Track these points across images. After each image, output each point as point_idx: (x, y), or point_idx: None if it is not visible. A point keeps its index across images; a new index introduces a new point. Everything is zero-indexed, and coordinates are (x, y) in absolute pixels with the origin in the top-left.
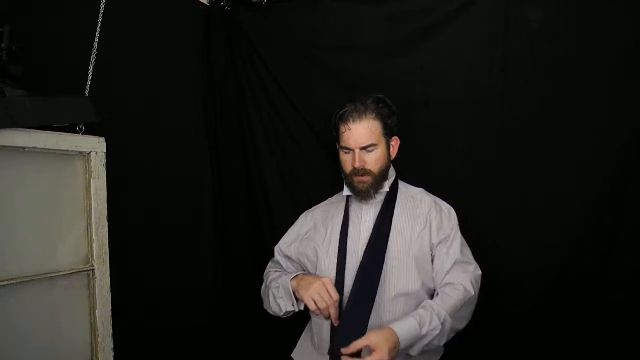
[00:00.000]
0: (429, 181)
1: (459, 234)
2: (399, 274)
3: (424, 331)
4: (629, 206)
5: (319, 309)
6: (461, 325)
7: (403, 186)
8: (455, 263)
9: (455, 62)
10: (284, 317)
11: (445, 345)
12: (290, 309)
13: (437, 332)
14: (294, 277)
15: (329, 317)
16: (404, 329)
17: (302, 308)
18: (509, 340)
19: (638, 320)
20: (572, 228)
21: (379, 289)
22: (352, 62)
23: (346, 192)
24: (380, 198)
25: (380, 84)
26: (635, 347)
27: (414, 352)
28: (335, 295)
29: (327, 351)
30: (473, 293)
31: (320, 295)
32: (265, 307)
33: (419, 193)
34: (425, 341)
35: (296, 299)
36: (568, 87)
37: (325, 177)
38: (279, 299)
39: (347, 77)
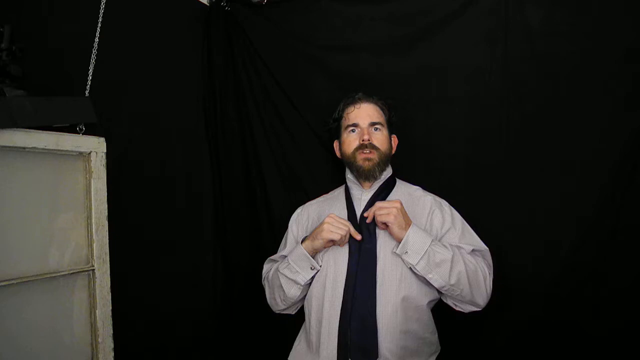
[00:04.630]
0: (429, 180)
1: (465, 224)
2: (391, 267)
3: (434, 244)
4: (629, 206)
5: (342, 235)
6: (461, 287)
7: (400, 183)
8: (473, 250)
9: (455, 61)
10: (298, 302)
11: (442, 344)
12: (308, 276)
13: (447, 254)
14: (301, 242)
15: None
16: (419, 230)
17: (321, 264)
18: (507, 340)
19: (639, 321)
20: (572, 228)
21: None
22: (352, 62)
23: (348, 175)
24: (374, 189)
25: (380, 84)
26: (636, 347)
27: (420, 265)
28: (345, 221)
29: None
30: (488, 272)
31: (334, 225)
32: (276, 308)
33: (416, 190)
34: (432, 255)
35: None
36: (568, 86)
37: (325, 177)
38: (293, 276)
39: (347, 77)
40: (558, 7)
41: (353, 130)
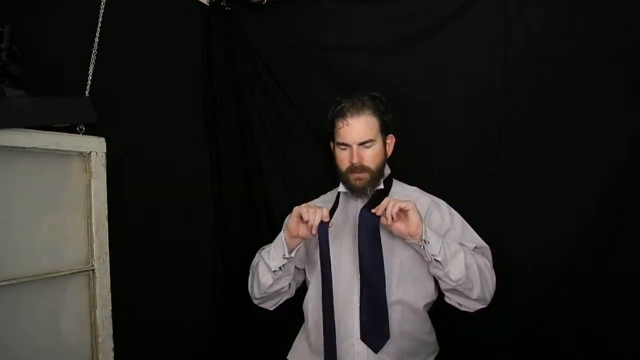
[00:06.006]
0: (428, 180)
1: (465, 222)
2: (388, 270)
3: (446, 241)
4: (630, 206)
5: (307, 208)
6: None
7: (397, 184)
8: (475, 247)
9: (455, 61)
10: (272, 295)
11: (440, 344)
12: (281, 262)
13: (458, 247)
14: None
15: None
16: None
17: (292, 255)
18: (507, 340)
19: (638, 321)
20: (572, 228)
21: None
22: (352, 62)
23: (341, 189)
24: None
25: (380, 84)
26: (637, 347)
27: (440, 255)
28: (311, 208)
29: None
30: (491, 266)
31: (305, 209)
32: (254, 297)
33: (413, 192)
34: (447, 247)
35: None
36: (568, 86)
37: (325, 177)
38: (268, 261)
39: (347, 77)
40: (559, 7)
41: (343, 148)
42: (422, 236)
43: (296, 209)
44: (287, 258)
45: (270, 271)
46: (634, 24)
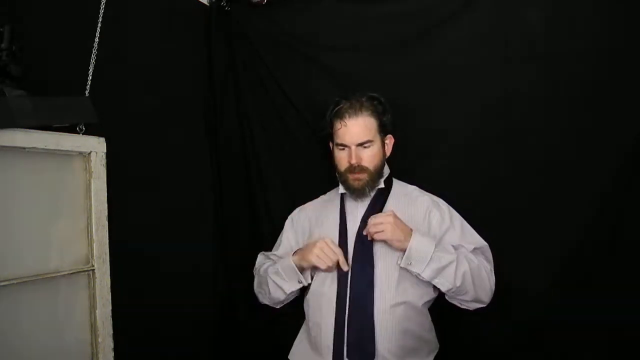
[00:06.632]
0: (429, 181)
1: (464, 222)
2: (387, 272)
3: (437, 250)
4: (630, 206)
5: (328, 266)
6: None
7: (397, 183)
8: (475, 248)
9: (455, 61)
10: (282, 302)
11: (441, 343)
12: (294, 287)
13: (452, 257)
14: (293, 254)
15: (336, 268)
16: (421, 237)
17: (309, 280)
18: (507, 339)
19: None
20: (572, 228)
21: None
22: (352, 62)
23: (341, 189)
24: (373, 194)
25: (380, 84)
26: (636, 346)
27: (425, 272)
28: (337, 249)
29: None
30: (490, 268)
31: (324, 252)
32: (261, 300)
33: (413, 191)
34: (437, 260)
35: (301, 273)
36: (568, 86)
37: (325, 177)
38: (280, 283)
39: (347, 77)
40: (558, 6)
41: (342, 149)
42: (406, 250)
43: (312, 259)
44: (303, 284)
45: (282, 291)
46: (634, 23)
